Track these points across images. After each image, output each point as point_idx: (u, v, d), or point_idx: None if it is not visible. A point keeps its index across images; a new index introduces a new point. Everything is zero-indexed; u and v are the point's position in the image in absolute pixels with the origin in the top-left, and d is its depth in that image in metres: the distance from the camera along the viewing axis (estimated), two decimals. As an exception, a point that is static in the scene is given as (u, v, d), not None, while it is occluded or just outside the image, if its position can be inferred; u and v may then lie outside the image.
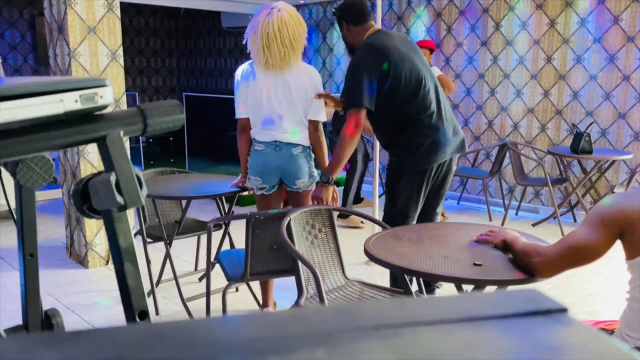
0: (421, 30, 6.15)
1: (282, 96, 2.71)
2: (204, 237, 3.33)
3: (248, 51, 2.72)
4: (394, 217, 2.84)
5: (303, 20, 2.73)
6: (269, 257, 2.54)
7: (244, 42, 2.75)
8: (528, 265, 1.71)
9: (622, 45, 4.87)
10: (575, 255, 1.60)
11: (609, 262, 2.90)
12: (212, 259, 2.80)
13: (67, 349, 0.31)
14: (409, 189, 2.81)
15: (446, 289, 3.17)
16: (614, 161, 4.85)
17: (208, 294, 2.71)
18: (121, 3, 3.88)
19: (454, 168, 2.94)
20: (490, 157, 5.78)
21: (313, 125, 2.78)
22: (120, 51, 3.82)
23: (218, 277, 3.08)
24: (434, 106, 2.77)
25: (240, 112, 2.82)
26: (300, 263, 2.17)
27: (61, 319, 1.20)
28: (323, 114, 2.80)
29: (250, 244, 2.45)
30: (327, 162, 2.84)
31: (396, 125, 2.80)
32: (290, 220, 2.28)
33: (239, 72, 2.82)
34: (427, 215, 2.98)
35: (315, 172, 2.86)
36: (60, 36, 3.68)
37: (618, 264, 2.21)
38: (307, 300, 2.22)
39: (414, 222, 2.87)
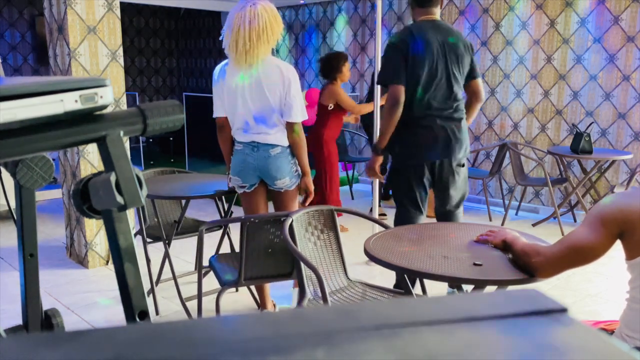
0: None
1: (256, 95, 2.62)
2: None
3: (223, 47, 2.64)
4: (397, 209, 3.02)
5: (279, 17, 2.63)
6: (263, 262, 2.50)
7: (220, 38, 2.67)
8: (528, 265, 1.71)
9: (622, 45, 4.87)
10: (575, 255, 1.60)
11: (609, 262, 2.90)
12: (206, 263, 2.78)
13: (67, 349, 0.31)
14: (399, 183, 2.96)
15: (445, 289, 3.17)
16: (614, 161, 4.84)
17: (200, 298, 2.68)
18: (121, 3, 3.88)
19: (457, 171, 2.92)
20: (490, 157, 5.78)
21: (289, 126, 2.66)
22: (120, 51, 3.82)
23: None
24: (431, 110, 2.81)
25: (217, 111, 2.75)
26: (302, 264, 2.17)
27: (61, 319, 1.20)
28: (299, 114, 2.65)
29: (244, 248, 2.40)
30: (306, 164, 2.76)
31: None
32: (292, 221, 2.27)
33: (217, 70, 2.74)
34: (444, 215, 3.07)
35: (299, 171, 2.76)
36: (60, 36, 3.68)
37: (618, 264, 2.21)
38: (309, 302, 2.21)
39: (418, 216, 2.95)
